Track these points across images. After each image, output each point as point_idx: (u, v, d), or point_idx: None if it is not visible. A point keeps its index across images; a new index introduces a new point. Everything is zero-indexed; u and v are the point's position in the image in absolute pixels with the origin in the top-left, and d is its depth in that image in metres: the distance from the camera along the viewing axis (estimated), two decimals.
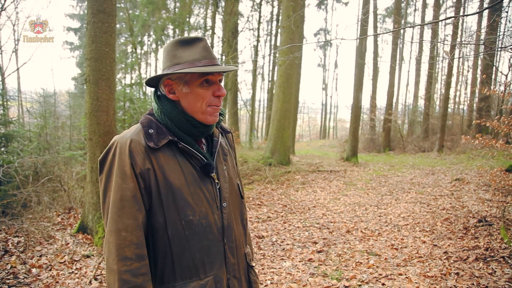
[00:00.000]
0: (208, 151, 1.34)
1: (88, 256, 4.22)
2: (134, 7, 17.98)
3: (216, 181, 1.30)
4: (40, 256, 4.19)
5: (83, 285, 3.55)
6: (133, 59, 17.84)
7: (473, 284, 3.56)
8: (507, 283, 3.55)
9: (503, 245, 4.46)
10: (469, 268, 3.96)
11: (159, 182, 1.17)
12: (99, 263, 4.02)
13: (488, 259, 4.15)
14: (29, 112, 10.27)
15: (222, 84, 1.31)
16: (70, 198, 6.15)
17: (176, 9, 18.31)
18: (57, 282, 3.60)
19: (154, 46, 22.70)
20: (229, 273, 1.30)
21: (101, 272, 3.86)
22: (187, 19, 18.30)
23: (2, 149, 6.96)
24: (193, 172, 1.23)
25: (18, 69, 14.02)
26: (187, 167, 1.23)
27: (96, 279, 3.68)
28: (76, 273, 3.83)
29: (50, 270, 3.87)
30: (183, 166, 1.22)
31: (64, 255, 4.22)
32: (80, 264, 4.05)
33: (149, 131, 1.21)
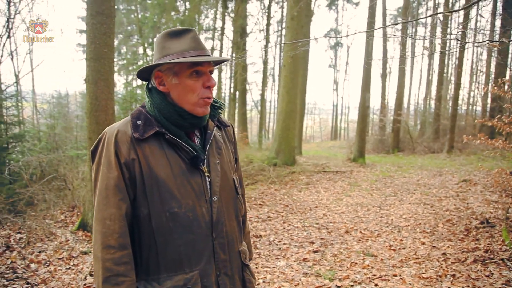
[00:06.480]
0: (201, 144, 1.32)
1: (86, 253, 4.30)
2: (144, 10, 18.18)
3: (207, 174, 1.27)
4: (40, 252, 4.28)
5: (78, 281, 3.61)
6: (144, 61, 18.03)
7: (468, 286, 3.51)
8: (504, 285, 3.48)
9: (504, 247, 4.37)
10: (466, 270, 3.90)
11: (144, 173, 1.18)
12: None
13: (487, 261, 4.08)
14: (39, 112, 10.48)
15: (214, 75, 1.31)
16: (74, 196, 6.26)
17: (187, 12, 18.45)
18: (54, 277, 3.68)
19: None
20: (218, 269, 1.28)
21: None
22: (197, 20, 18.41)
23: (17, 148, 7.11)
24: (181, 164, 1.22)
25: (32, 70, 14.37)
26: (175, 159, 1.22)
27: (91, 275, 3.74)
28: (73, 269, 3.91)
29: (48, 265, 3.95)
30: (170, 158, 1.21)
31: (63, 252, 4.30)
32: (78, 261, 4.12)
33: (137, 122, 1.22)
